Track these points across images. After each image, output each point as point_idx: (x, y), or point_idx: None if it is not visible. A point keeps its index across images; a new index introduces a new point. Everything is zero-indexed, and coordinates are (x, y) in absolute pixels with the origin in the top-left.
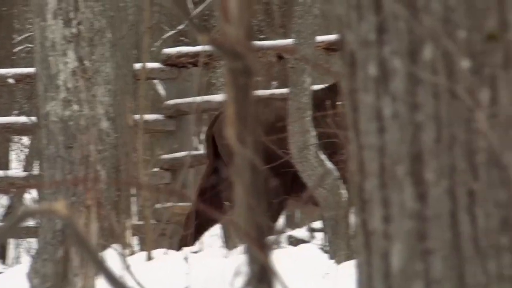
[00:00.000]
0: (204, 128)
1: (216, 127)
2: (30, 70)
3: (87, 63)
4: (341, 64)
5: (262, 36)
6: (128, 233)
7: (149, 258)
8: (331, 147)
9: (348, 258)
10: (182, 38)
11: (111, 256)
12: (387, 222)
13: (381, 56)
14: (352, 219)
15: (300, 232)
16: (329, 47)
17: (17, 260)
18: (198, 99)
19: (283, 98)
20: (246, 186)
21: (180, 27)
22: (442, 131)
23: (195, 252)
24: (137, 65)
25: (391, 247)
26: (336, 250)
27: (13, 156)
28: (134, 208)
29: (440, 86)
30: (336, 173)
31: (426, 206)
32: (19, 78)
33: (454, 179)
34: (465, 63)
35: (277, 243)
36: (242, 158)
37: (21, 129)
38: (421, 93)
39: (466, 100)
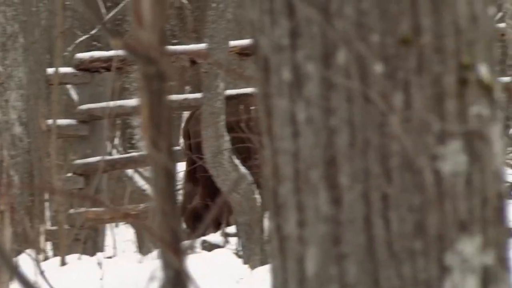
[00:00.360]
0: (117, 133)
1: (191, 124)
2: None
3: None
4: (255, 69)
5: (175, 41)
6: (42, 238)
7: (63, 263)
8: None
9: (263, 263)
10: (95, 43)
11: (25, 261)
12: (301, 227)
13: (294, 60)
14: (266, 224)
15: (214, 237)
16: (242, 52)
17: None
18: (111, 104)
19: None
20: (160, 191)
21: (92, 32)
22: (356, 135)
23: (109, 257)
24: (50, 70)
25: (306, 252)
26: (250, 255)
27: None
28: (47, 213)
29: (354, 91)
30: (250, 178)
31: (341, 210)
32: None
33: (368, 184)
34: (378, 67)
35: (192, 248)
36: (156, 163)
37: None
38: (335, 97)
39: (380, 104)
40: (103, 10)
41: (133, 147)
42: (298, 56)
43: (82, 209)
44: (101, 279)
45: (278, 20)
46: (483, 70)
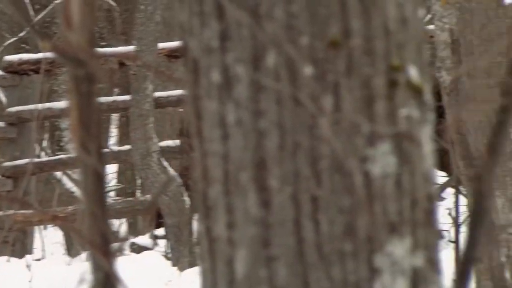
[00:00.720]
0: (46, 135)
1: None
2: None
3: None
4: (184, 71)
5: (104, 43)
6: None
7: None
8: None
9: (191, 265)
10: (24, 45)
11: None
12: (231, 229)
13: (224, 63)
14: (195, 226)
15: (143, 239)
16: (171, 54)
17: None
18: (40, 106)
19: None
20: (90, 193)
21: (21, 34)
22: (285, 138)
23: (38, 260)
24: None
25: (235, 254)
26: (179, 257)
27: None
28: None
29: (283, 93)
30: (179, 180)
31: (270, 212)
32: None
33: (298, 186)
34: (308, 70)
35: (120, 251)
36: (85, 165)
37: None
38: (265, 100)
39: (309, 106)
40: (32, 13)
41: (61, 149)
42: (227, 58)
43: (11, 212)
44: (30, 281)
45: (208, 22)
46: (413, 72)
